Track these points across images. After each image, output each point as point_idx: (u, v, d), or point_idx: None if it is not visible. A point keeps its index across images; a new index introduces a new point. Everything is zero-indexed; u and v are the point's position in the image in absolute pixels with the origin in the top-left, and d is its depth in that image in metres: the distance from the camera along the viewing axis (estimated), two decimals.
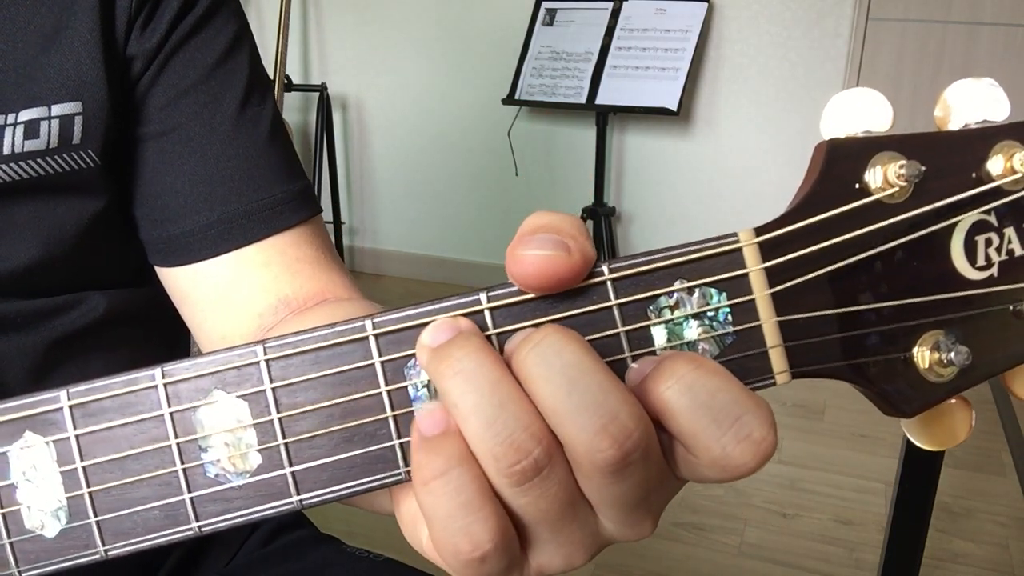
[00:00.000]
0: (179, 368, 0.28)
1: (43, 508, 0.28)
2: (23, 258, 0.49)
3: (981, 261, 0.31)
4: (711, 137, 2.75)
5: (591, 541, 0.28)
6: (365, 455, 0.28)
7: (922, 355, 0.31)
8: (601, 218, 2.62)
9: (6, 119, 0.46)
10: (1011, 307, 0.31)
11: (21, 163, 0.47)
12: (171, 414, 0.28)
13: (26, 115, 0.46)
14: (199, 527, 0.28)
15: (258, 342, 0.28)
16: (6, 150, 0.46)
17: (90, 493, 0.27)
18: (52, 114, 0.47)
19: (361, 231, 3.25)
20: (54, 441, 0.28)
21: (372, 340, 0.28)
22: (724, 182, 2.77)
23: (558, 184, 2.94)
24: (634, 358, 0.28)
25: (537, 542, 0.27)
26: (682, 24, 2.51)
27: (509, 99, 2.64)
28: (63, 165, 0.49)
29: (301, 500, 0.28)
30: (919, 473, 1.29)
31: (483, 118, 2.93)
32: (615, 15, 2.59)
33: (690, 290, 0.28)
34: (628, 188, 2.89)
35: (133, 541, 0.28)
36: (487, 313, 0.28)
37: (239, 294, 0.52)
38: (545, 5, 2.68)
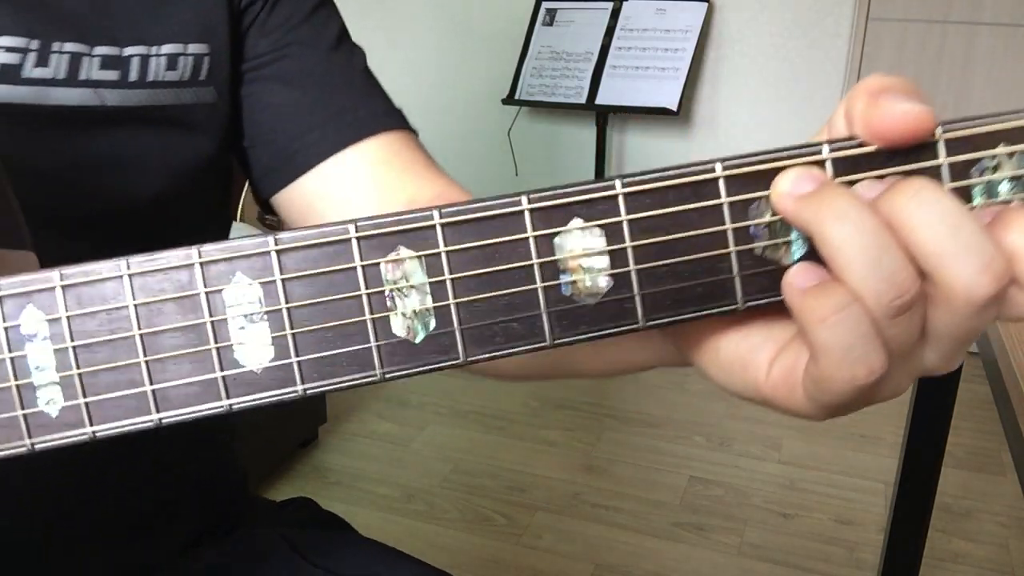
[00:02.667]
0: (545, 195, 0.30)
1: (413, 316, 0.30)
2: (150, 190, 0.53)
3: None
4: (711, 137, 2.75)
5: (916, 370, 0.31)
6: (706, 284, 0.31)
7: None
8: None
9: (149, 50, 0.52)
10: None
11: (162, 90, 0.53)
12: (534, 238, 0.30)
13: (167, 49, 0.52)
14: (553, 342, 0.31)
15: (616, 177, 0.31)
16: (151, 77, 0.52)
17: (456, 304, 0.30)
18: (187, 51, 0.53)
19: None
20: (426, 256, 0.30)
21: (721, 182, 0.30)
22: None
23: (558, 184, 2.94)
24: None
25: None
26: (682, 24, 2.51)
27: (509, 99, 2.64)
28: (191, 97, 0.54)
29: (647, 321, 0.31)
30: (919, 473, 1.29)
31: (483, 118, 2.93)
32: (615, 15, 2.59)
33: (1010, 154, 0.31)
34: None
35: (492, 349, 0.30)
36: (829, 163, 0.30)
37: (366, 194, 0.56)
38: (545, 5, 2.68)
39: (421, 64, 3.00)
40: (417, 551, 0.65)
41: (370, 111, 0.58)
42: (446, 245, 0.30)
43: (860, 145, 0.30)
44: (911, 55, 2.45)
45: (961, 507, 1.90)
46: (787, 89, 2.63)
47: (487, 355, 0.31)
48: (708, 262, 0.31)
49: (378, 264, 0.30)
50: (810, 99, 2.61)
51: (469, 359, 0.30)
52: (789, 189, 0.30)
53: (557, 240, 0.30)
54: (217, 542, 0.64)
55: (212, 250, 0.30)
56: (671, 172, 0.30)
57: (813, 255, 0.30)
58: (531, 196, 0.30)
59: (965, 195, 0.31)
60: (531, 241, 0.30)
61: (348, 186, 0.56)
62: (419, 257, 0.30)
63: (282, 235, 0.30)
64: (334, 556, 0.64)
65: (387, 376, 0.30)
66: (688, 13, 2.51)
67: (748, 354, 0.33)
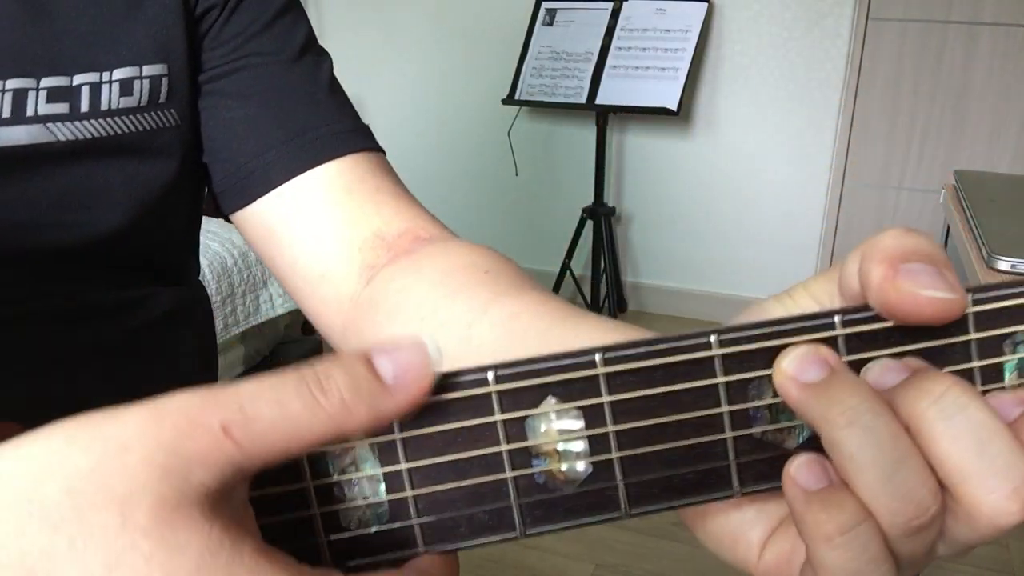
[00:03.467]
0: (515, 372, 0.27)
1: (365, 507, 0.27)
2: (117, 222, 0.51)
3: None
4: (711, 137, 2.75)
5: (924, 565, 0.28)
6: (699, 471, 0.28)
7: None
8: (601, 218, 2.62)
9: (101, 77, 0.49)
10: None
11: (117, 119, 0.49)
12: (503, 421, 0.27)
13: (120, 74, 0.49)
14: (524, 533, 0.28)
15: (597, 350, 0.27)
16: (104, 106, 0.49)
17: (414, 496, 0.27)
18: (143, 74, 0.50)
19: None
20: (378, 443, 0.27)
21: (717, 361, 0.27)
22: (724, 182, 2.77)
23: (558, 184, 2.94)
24: (984, 393, 0.27)
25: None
26: (682, 24, 2.51)
27: (509, 99, 2.64)
28: (151, 123, 0.51)
29: (630, 512, 0.28)
30: None
31: (483, 118, 2.93)
32: (615, 15, 2.59)
33: None
34: (628, 188, 2.89)
35: (455, 541, 0.28)
36: (840, 339, 0.27)
37: (330, 224, 0.52)
38: (545, 5, 2.68)
39: (421, 64, 3.00)
40: None
41: (333, 130, 0.53)
42: (401, 431, 0.26)
43: (876, 317, 0.27)
44: (911, 55, 2.45)
45: None
46: (787, 89, 2.63)
47: (450, 547, 0.27)
48: (701, 448, 0.27)
49: (324, 452, 0.27)
50: (810, 99, 2.61)
51: (428, 552, 0.27)
52: (794, 374, 0.26)
53: (529, 422, 0.27)
54: None
55: None
56: (660, 347, 0.27)
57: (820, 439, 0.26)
58: (499, 374, 0.26)
59: (996, 372, 0.28)
60: (499, 425, 0.27)
61: (310, 214, 0.52)
62: (371, 444, 0.26)
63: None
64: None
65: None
66: (688, 13, 2.51)
67: (739, 530, 0.29)
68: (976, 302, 0.27)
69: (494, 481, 0.27)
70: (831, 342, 0.27)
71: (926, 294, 0.25)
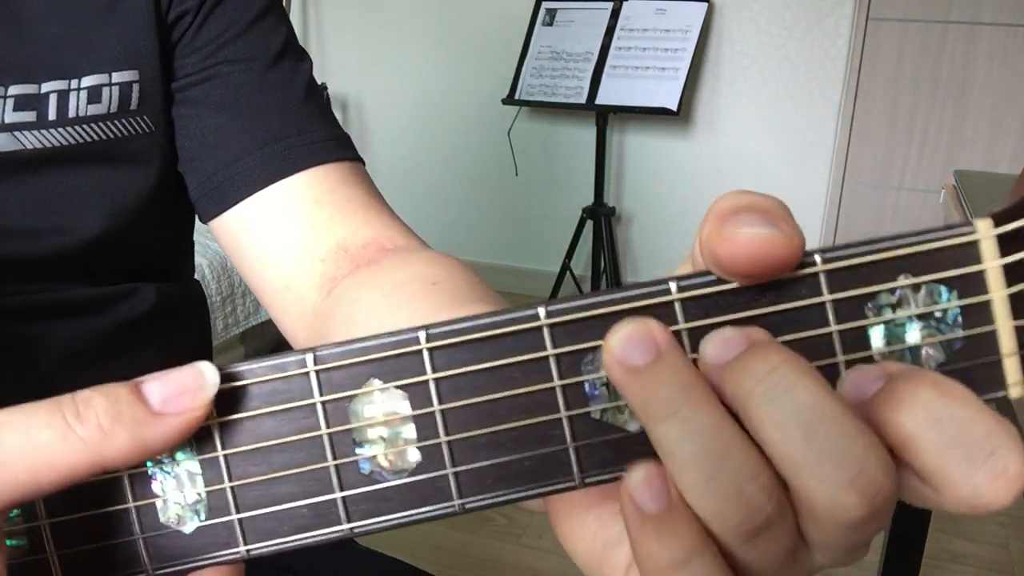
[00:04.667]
0: (332, 354, 0.25)
1: (182, 502, 0.26)
2: (92, 229, 0.51)
3: None
4: (711, 137, 2.75)
5: (806, 572, 0.26)
6: (536, 457, 0.26)
7: None
8: (601, 218, 2.62)
9: (69, 84, 0.48)
10: None
11: (86, 126, 0.49)
12: (323, 404, 0.25)
13: (89, 81, 0.49)
14: (351, 528, 0.26)
15: (420, 328, 0.25)
16: (71, 113, 0.49)
17: (232, 487, 0.26)
18: (112, 81, 0.50)
19: None
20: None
21: (546, 330, 0.25)
22: (724, 182, 2.77)
23: (558, 184, 2.94)
24: (848, 363, 0.25)
25: None
26: (682, 24, 2.51)
27: (509, 99, 2.64)
28: (122, 130, 0.51)
29: (464, 504, 0.26)
30: None
31: (483, 118, 2.93)
32: (615, 15, 2.59)
33: (916, 287, 0.25)
34: (628, 188, 2.89)
35: (279, 540, 0.26)
36: (677, 305, 0.25)
37: (295, 235, 0.51)
38: (545, 5, 2.68)
39: (421, 64, 3.00)
40: (417, 551, 0.65)
41: (305, 140, 0.53)
42: (219, 415, 0.25)
43: (718, 281, 0.25)
44: (911, 55, 2.45)
45: None
46: (787, 89, 2.63)
47: (273, 547, 0.26)
48: (536, 429, 0.25)
49: None
50: (810, 99, 2.61)
51: (251, 553, 0.26)
52: (619, 353, 0.23)
53: (352, 406, 0.25)
54: None
55: None
56: (486, 322, 0.25)
57: None
58: (318, 354, 0.25)
59: (859, 338, 0.25)
60: (319, 407, 0.25)
61: (276, 225, 0.52)
62: None
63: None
64: (327, 569, 0.63)
65: (157, 572, 0.26)
66: (688, 13, 2.51)
67: (603, 551, 0.27)
68: (826, 260, 0.25)
69: (315, 471, 0.25)
70: (668, 308, 0.25)
71: (744, 231, 0.23)
